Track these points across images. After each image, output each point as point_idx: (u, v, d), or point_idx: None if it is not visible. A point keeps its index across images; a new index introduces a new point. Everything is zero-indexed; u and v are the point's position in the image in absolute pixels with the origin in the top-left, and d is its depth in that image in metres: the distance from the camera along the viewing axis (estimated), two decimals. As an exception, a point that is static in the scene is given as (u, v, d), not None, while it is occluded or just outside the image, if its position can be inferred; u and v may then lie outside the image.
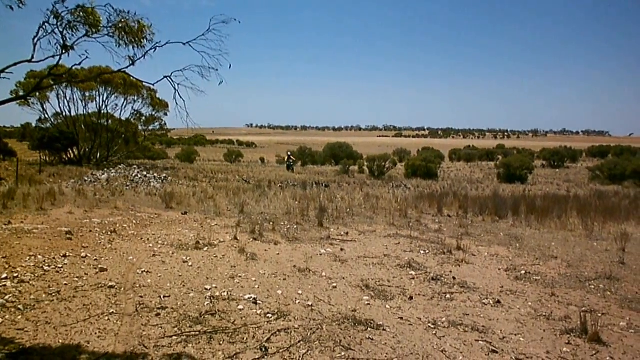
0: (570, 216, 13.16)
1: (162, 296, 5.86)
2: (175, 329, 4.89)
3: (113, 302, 5.59)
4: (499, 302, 6.37)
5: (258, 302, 5.85)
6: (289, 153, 35.45)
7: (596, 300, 6.62)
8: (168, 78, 5.18)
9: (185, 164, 39.74)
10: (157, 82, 5.32)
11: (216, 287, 6.29)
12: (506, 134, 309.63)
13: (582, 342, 5.12)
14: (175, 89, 5.26)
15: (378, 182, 26.52)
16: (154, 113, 36.18)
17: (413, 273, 7.56)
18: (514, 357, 4.69)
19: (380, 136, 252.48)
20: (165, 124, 37.99)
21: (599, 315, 5.86)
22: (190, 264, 7.35)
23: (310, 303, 5.93)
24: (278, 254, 8.32)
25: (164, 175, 23.99)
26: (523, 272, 7.88)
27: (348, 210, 13.54)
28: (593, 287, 7.20)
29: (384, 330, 5.22)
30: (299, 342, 4.74)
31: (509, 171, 29.27)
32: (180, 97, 5.36)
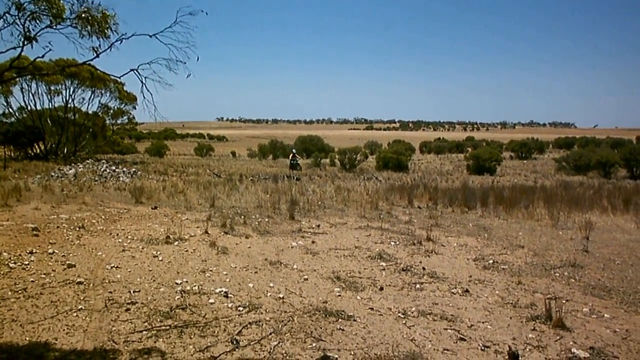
0: (537, 206, 13.48)
1: (132, 291, 5.81)
2: (146, 323, 4.87)
3: (82, 298, 5.52)
4: (467, 291, 6.51)
5: (229, 295, 5.85)
6: (294, 151, 30.45)
7: (561, 287, 6.82)
8: (135, 71, 5.10)
9: (155, 158, 39.16)
10: (124, 75, 5.24)
11: (187, 282, 6.27)
12: (475, 126, 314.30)
13: (546, 328, 5.28)
14: (142, 82, 5.18)
15: (349, 174, 26.63)
16: (122, 107, 35.46)
17: (383, 264, 7.66)
18: (481, 344, 4.81)
19: (351, 129, 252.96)
20: (134, 117, 37.30)
21: (563, 301, 6.05)
22: (160, 258, 7.30)
23: (281, 295, 5.96)
24: (249, 247, 8.32)
25: (134, 169, 23.62)
26: (491, 261, 8.06)
27: (319, 203, 13.59)
28: (558, 274, 7.41)
29: (354, 320, 5.29)
30: (270, 334, 4.77)
31: (478, 163, 29.71)
32: (148, 90, 5.29)
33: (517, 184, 21.68)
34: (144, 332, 4.65)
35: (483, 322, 5.43)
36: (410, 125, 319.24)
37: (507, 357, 4.52)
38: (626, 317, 5.70)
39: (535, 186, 20.00)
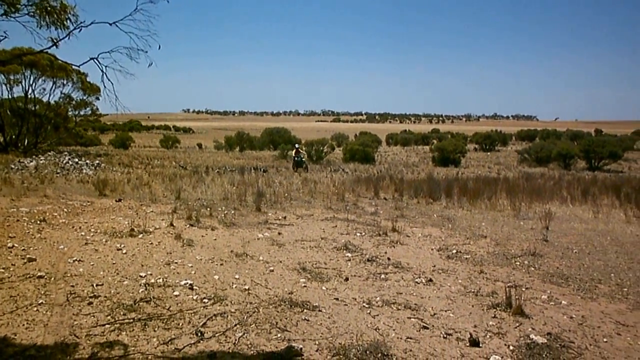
0: (500, 197, 13.80)
1: (94, 285, 5.71)
2: (109, 317, 4.80)
3: (42, 292, 5.40)
4: (431, 280, 6.63)
5: (194, 287, 5.81)
6: (297, 146, 26.10)
7: (521, 275, 7.02)
8: (95, 60, 4.97)
9: (120, 150, 38.43)
10: (83, 63, 5.09)
11: (151, 274, 6.19)
12: (441, 118, 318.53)
13: (506, 316, 5.44)
14: (102, 71, 5.05)
15: (316, 166, 26.69)
16: (85, 97, 34.49)
17: (349, 255, 7.73)
18: (443, 332, 4.92)
19: (318, 121, 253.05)
20: (98, 109, 36.34)
21: (523, 289, 6.23)
22: (124, 251, 7.18)
23: (247, 287, 5.96)
24: (215, 239, 8.27)
25: (97, 161, 23.12)
26: (454, 251, 8.22)
27: (286, 194, 13.59)
28: (518, 263, 7.62)
29: (319, 311, 5.33)
30: (235, 325, 4.77)
31: (443, 155, 30.18)
32: (109, 80, 5.16)
33: (480, 175, 22.12)
34: (107, 325, 4.59)
35: (446, 311, 5.55)
36: (376, 117, 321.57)
37: (468, 344, 4.64)
38: (582, 304, 5.91)
39: (498, 178, 20.45)
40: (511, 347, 4.61)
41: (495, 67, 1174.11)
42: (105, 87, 5.19)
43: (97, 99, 34.11)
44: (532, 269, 7.36)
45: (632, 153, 37.37)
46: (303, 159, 24.45)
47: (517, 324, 5.21)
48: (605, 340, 4.87)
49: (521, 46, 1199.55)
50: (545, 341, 4.74)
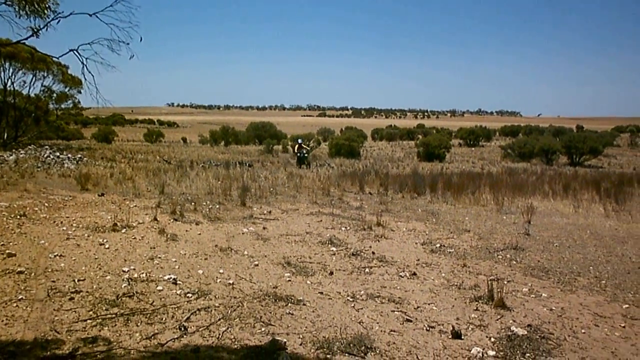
0: (483, 192, 13.91)
1: (76, 280, 5.65)
2: (90, 312, 4.76)
3: (22, 288, 5.33)
4: (414, 274, 6.68)
5: (178, 282, 5.79)
6: (300, 141, 24.19)
7: (503, 269, 7.10)
8: (74, 52, 4.89)
9: (103, 144, 37.94)
10: (63, 55, 5.00)
11: (134, 269, 6.15)
12: (426, 114, 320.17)
13: (488, 308, 5.51)
14: (83, 63, 4.97)
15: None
16: (66, 90, 34.00)
17: (334, 249, 7.75)
18: (426, 325, 4.96)
19: (304, 116, 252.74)
20: (80, 102, 35.83)
21: (505, 282, 6.30)
22: (107, 246, 7.11)
23: (231, 281, 5.94)
24: (199, 234, 8.23)
25: (79, 155, 22.84)
26: (438, 245, 8.28)
27: (271, 189, 13.57)
28: (501, 257, 7.71)
29: (304, 305, 5.35)
30: (219, 319, 4.76)
31: (428, 150, 30.33)
32: (89, 72, 5.08)
33: (465, 170, 22.30)
34: (89, 320, 4.55)
35: (429, 304, 5.60)
36: (362, 112, 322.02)
37: (450, 336, 4.69)
38: (562, 296, 6.00)
39: (482, 173, 20.63)
40: (492, 339, 4.67)
41: (480, 64, 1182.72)
42: (85, 79, 5.11)
43: (79, 92, 33.57)
44: (514, 262, 7.45)
45: (611, 149, 37.92)
46: (306, 155, 22.90)
47: (499, 317, 5.27)
48: (583, 331, 4.96)
49: (506, 43, 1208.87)
50: (526, 333, 4.81)
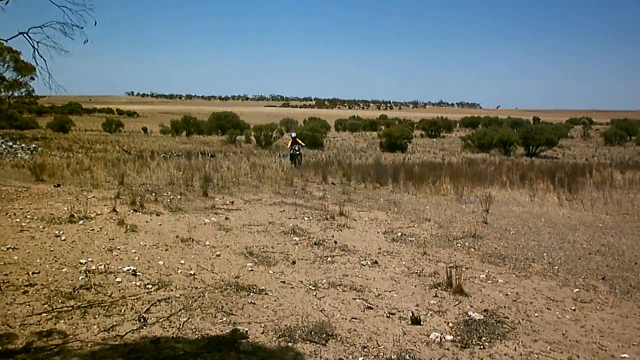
0: (444, 182, 14.16)
1: (30, 273, 5.48)
2: (45, 305, 4.63)
3: (-27, 281, 5.14)
4: (376, 262, 6.78)
5: (138, 273, 5.70)
6: (294, 135, 20.86)
7: (462, 256, 7.28)
8: (25, 35, 4.69)
9: (59, 133, 36.78)
10: (11, 38, 4.77)
11: (92, 261, 6.01)
12: (389, 105, 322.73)
13: (447, 294, 5.64)
14: (34, 47, 4.77)
15: (265, 151, 26.56)
16: (18, 77, 32.80)
17: (296, 239, 7.77)
18: (387, 312, 5.05)
19: (267, 106, 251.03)
20: (34, 90, 34.60)
21: (463, 269, 6.45)
22: (63, 238, 6.92)
23: (192, 272, 5.89)
24: (160, 224, 8.11)
25: (34, 145, 22.14)
26: (399, 234, 8.41)
27: (234, 179, 13.47)
28: (460, 245, 7.90)
29: (265, 294, 5.35)
30: (180, 310, 4.72)
31: (390, 141, 30.62)
32: (41, 57, 4.88)
33: (426, 160, 22.64)
34: (44, 314, 4.43)
35: (390, 291, 5.69)
36: (326, 103, 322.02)
37: (410, 323, 4.78)
38: (517, 282, 6.21)
39: (443, 163, 21.00)
40: (450, 324, 4.80)
41: (442, 56, 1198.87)
42: (37, 64, 4.91)
43: (32, 78, 32.42)
44: (472, 250, 7.64)
45: (566, 140, 39.14)
46: (299, 152, 19.86)
47: (457, 302, 5.41)
48: (536, 315, 5.15)
49: (466, 35, 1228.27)
50: (482, 317, 4.95)
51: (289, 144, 20.10)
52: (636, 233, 8.97)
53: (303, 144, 19.69)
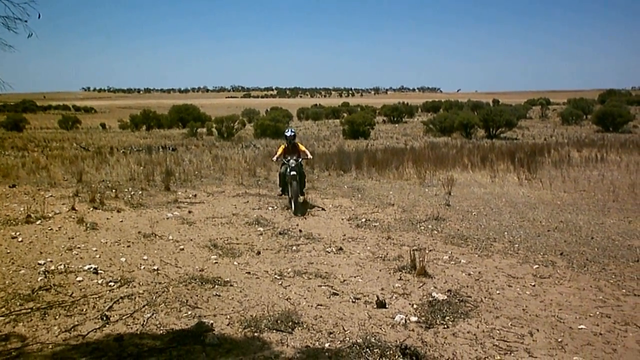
0: (407, 167, 14.32)
1: (-14, 276, 5.32)
2: (3, 309, 4.51)
3: None
4: (341, 249, 6.83)
5: (99, 271, 5.59)
6: (289, 135, 10.58)
7: (425, 239, 7.40)
8: (-36, 28, 4.48)
9: (12, 132, 35.54)
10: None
11: (51, 261, 5.87)
12: (351, 92, 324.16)
13: (411, 277, 5.74)
14: (-26, 41, 4.57)
15: (227, 143, 26.25)
16: (-33, 76, 31.53)
17: (261, 229, 7.75)
18: (352, 297, 5.10)
19: (228, 97, 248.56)
20: (-18, 88, 33.27)
21: (427, 252, 6.57)
22: (20, 239, 6.72)
23: (156, 267, 5.82)
24: (121, 221, 7.96)
25: (-14, 146, 21.31)
26: (364, 220, 8.48)
27: (196, 172, 13.30)
28: (423, 228, 8.02)
29: (231, 286, 5.34)
30: (144, 306, 4.66)
31: (353, 128, 30.66)
32: (-18, 51, 4.65)
33: (389, 146, 22.80)
34: (1, 318, 4.31)
35: (355, 277, 5.75)
36: (287, 92, 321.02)
37: (375, 306, 4.84)
38: (479, 261, 6.35)
39: (406, 148, 21.19)
40: (415, 306, 4.89)
41: (402, 42, 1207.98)
42: (-22, 57, 4.69)
43: (-18, 77, 31.13)
44: (435, 232, 7.77)
45: (525, 121, 39.98)
46: (300, 164, 13.16)
47: (421, 284, 5.51)
48: (498, 292, 5.29)
49: (425, 22, 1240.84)
50: (446, 297, 5.06)
51: (279, 151, 10.45)
52: (592, 209, 9.29)
53: (308, 152, 10.58)
